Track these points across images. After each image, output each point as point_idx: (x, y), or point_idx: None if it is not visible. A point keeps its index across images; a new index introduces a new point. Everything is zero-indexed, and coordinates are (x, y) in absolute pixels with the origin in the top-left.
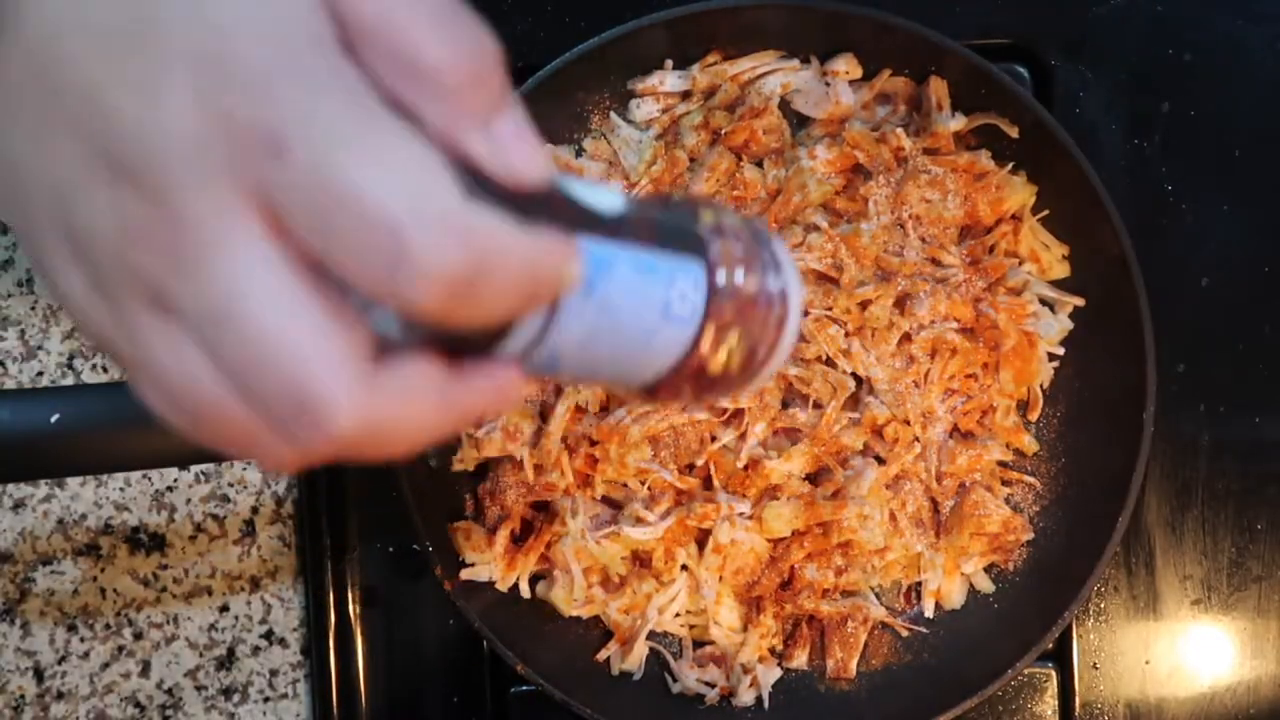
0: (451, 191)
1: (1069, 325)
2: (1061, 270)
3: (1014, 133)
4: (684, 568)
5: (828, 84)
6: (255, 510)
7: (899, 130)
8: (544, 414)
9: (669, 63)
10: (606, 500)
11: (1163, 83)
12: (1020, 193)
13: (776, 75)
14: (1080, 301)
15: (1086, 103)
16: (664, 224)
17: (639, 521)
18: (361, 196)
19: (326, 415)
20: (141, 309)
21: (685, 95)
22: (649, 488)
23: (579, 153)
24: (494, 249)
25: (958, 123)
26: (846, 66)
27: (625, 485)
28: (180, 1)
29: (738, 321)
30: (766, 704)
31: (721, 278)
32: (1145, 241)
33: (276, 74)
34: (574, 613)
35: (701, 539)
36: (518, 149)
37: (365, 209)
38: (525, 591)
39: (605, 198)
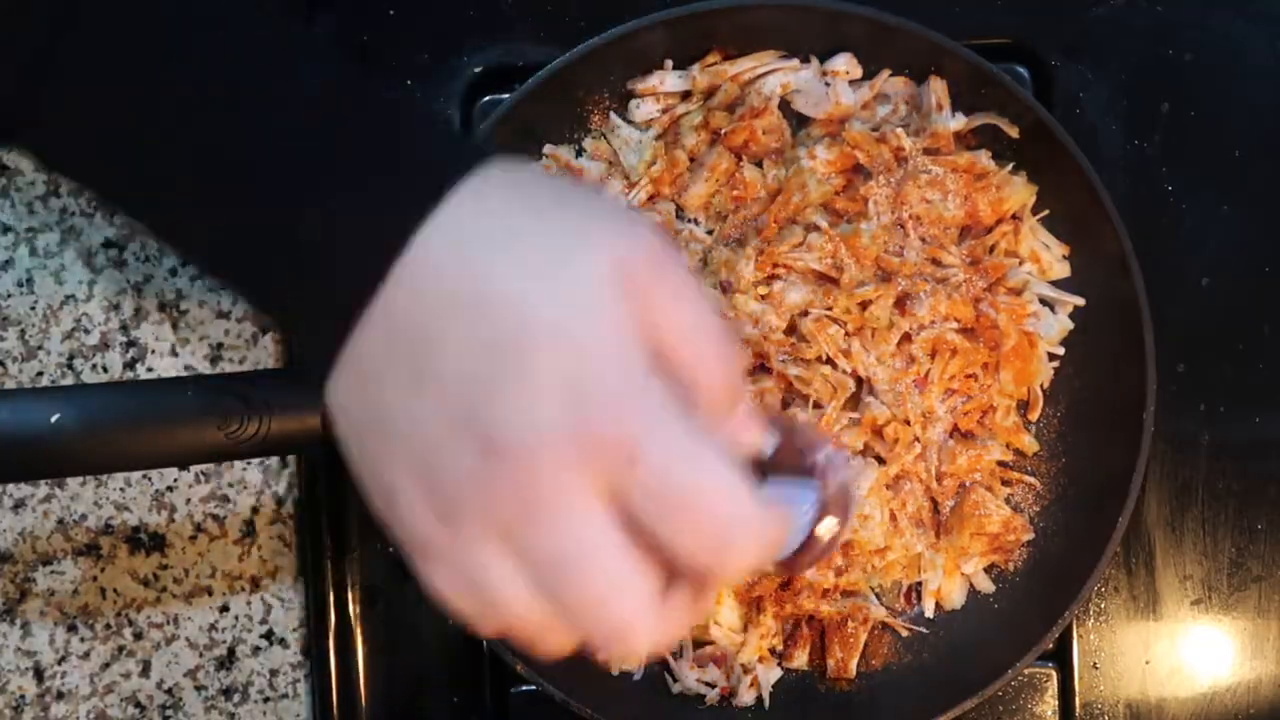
0: (751, 493)
1: (1069, 325)
2: (1062, 270)
3: (1014, 132)
4: None
5: (828, 84)
6: (255, 510)
7: (899, 130)
8: None
9: (669, 63)
10: None
11: (1163, 83)
12: (1020, 193)
13: (776, 75)
14: (1080, 301)
15: (1087, 103)
16: (800, 463)
17: None
18: (701, 497)
19: (634, 643)
20: (483, 537)
21: (685, 95)
22: None
23: (579, 153)
24: (769, 536)
25: (958, 122)
26: (847, 66)
27: None
28: (545, 322)
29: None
30: (767, 704)
31: (827, 492)
32: (1145, 241)
33: (627, 396)
34: None
35: None
36: (752, 428)
37: (706, 507)
38: None
39: (765, 440)
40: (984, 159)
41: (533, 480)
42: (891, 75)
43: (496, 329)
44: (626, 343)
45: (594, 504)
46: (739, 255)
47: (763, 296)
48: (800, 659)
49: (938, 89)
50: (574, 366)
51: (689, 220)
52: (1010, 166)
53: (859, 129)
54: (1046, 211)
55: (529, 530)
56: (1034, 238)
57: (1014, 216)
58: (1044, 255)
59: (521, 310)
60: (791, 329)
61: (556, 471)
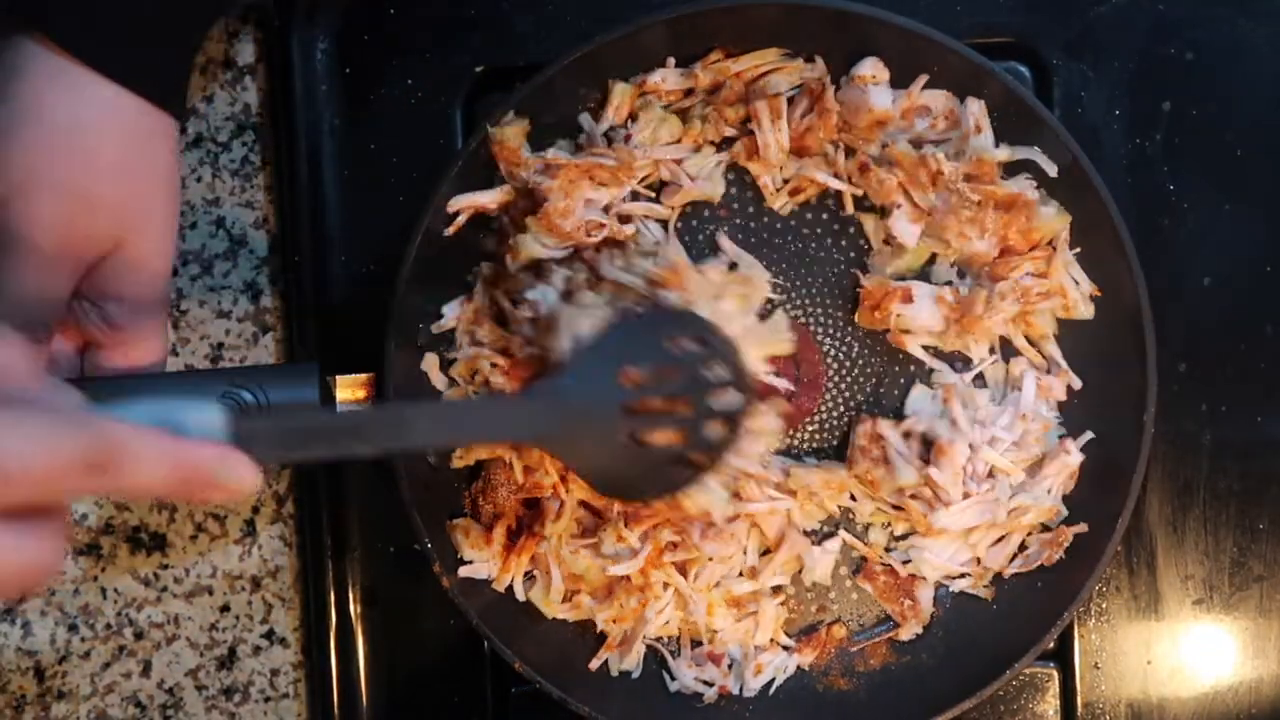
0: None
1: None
2: (1086, 311)
3: (1053, 170)
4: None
5: (862, 90)
6: (256, 510)
7: (939, 155)
8: None
9: (671, 61)
10: (587, 506)
11: (1164, 82)
12: (1053, 222)
13: (779, 74)
14: (1077, 384)
15: (1088, 102)
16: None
17: (619, 540)
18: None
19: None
20: None
21: (688, 93)
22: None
23: (578, 148)
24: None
25: (1003, 153)
26: (874, 71)
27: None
28: None
29: None
30: (773, 689)
31: None
32: (1146, 241)
33: None
34: (556, 615)
35: (681, 566)
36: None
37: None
38: (520, 594)
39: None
40: (1030, 190)
41: None
42: (921, 82)
43: None
44: None
45: None
46: None
47: None
48: (809, 656)
49: (975, 110)
50: None
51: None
52: (1040, 192)
53: (904, 148)
54: (1076, 249)
55: None
56: (1065, 271)
57: (1050, 244)
58: (1072, 292)
59: None
60: None
61: None
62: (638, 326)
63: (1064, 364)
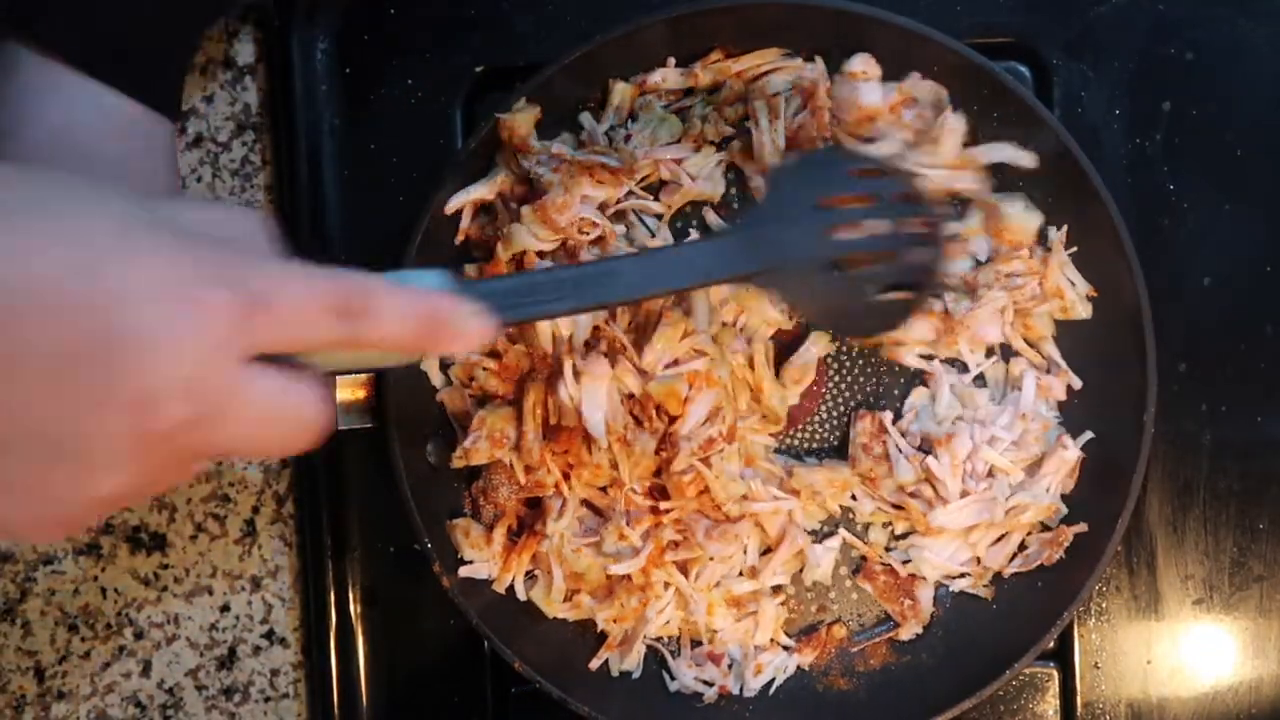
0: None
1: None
2: (1084, 311)
3: (1030, 162)
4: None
5: (853, 87)
6: (256, 510)
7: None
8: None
9: (671, 60)
10: (590, 505)
11: (1164, 82)
12: (1023, 222)
13: (780, 73)
14: (1077, 384)
15: (1088, 102)
16: None
17: (621, 539)
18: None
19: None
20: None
21: (688, 92)
22: (625, 506)
23: (580, 145)
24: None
25: (982, 156)
26: (865, 67)
27: (605, 490)
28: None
29: None
30: (773, 689)
31: None
32: (1146, 241)
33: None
34: (556, 614)
35: (682, 565)
36: None
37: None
38: (521, 594)
39: None
40: (984, 191)
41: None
42: (913, 78)
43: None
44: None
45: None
46: None
47: None
48: (810, 655)
49: (954, 124)
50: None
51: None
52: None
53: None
54: (1075, 249)
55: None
56: (1061, 272)
57: (1045, 247)
58: (1069, 293)
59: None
60: None
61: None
62: (823, 159)
63: (1063, 364)
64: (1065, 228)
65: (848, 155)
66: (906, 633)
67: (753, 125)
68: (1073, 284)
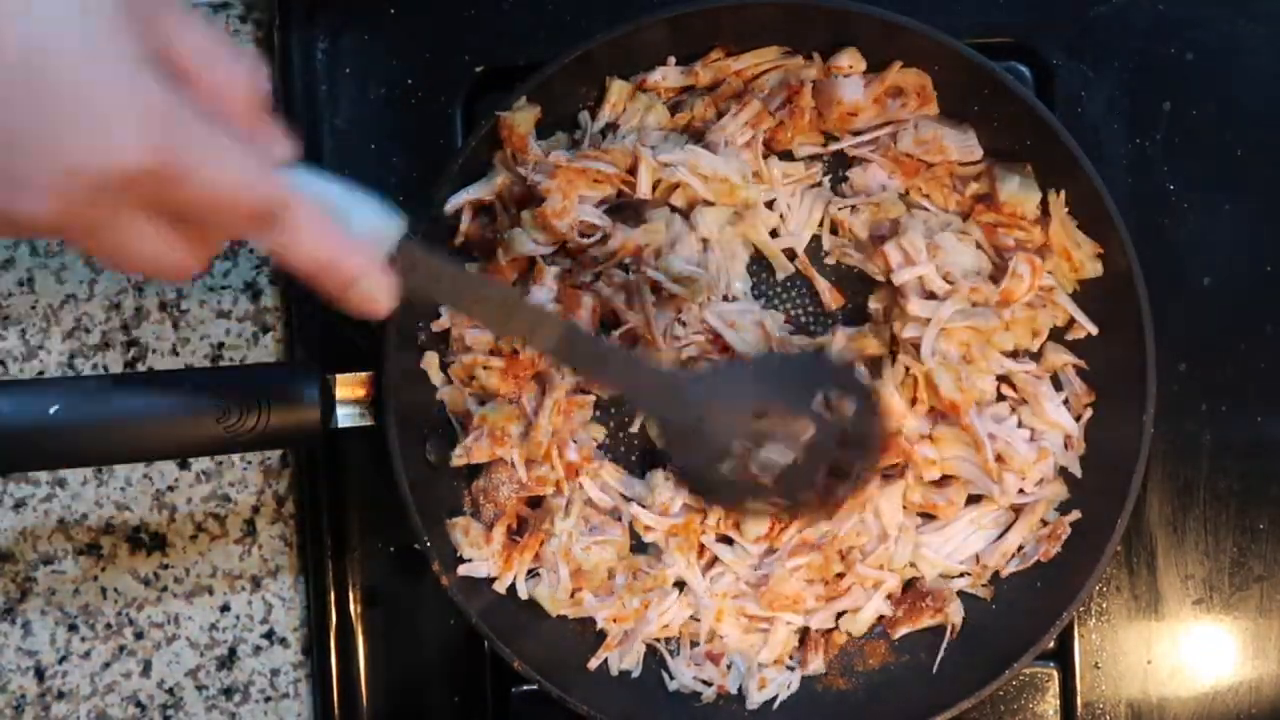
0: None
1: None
2: (1094, 269)
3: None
4: (677, 585)
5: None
6: (256, 510)
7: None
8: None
9: (671, 59)
10: (592, 505)
11: (1164, 82)
12: (1019, 196)
13: (779, 71)
14: (1094, 330)
15: (1088, 102)
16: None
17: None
18: (234, 192)
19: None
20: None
21: (688, 90)
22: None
23: (575, 143)
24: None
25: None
26: (850, 61)
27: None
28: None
29: None
30: (776, 705)
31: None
32: (1146, 241)
33: (152, 114)
34: (559, 613)
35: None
36: (279, 137)
37: (237, 200)
38: (522, 592)
39: (289, 147)
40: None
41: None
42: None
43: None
44: (136, 64)
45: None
46: None
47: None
48: (816, 664)
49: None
50: (94, 99)
51: None
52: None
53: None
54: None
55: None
56: (1064, 234)
57: (1045, 212)
58: (1075, 253)
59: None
60: None
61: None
62: (794, 366)
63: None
64: (1064, 191)
65: (828, 374)
66: (902, 631)
67: (730, 119)
68: (1078, 244)
